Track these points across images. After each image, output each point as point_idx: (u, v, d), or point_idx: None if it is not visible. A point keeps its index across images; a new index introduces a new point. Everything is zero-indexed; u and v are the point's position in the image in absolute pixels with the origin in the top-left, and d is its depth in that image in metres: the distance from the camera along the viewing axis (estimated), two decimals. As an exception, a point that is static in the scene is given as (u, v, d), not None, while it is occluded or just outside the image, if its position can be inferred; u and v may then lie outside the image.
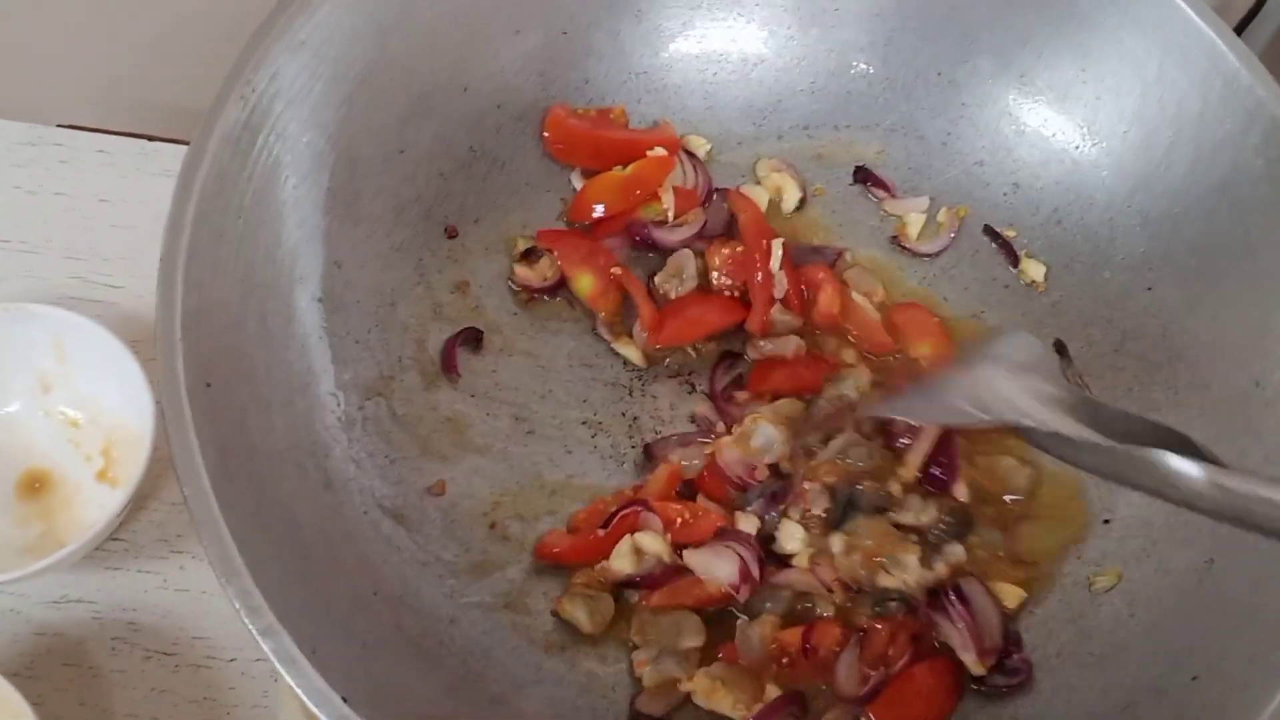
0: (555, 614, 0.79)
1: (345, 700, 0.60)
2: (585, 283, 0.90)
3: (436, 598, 0.76)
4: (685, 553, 0.80)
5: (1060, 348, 0.90)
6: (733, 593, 0.79)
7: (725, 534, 0.81)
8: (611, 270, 0.90)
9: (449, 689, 0.71)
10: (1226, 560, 0.76)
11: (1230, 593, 0.74)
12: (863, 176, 0.97)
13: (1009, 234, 0.94)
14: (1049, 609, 0.81)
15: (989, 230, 0.95)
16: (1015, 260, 0.94)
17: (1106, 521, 0.84)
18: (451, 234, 0.88)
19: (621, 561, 0.80)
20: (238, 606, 0.61)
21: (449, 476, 0.82)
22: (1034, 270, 0.93)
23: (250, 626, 0.61)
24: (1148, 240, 0.88)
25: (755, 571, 0.79)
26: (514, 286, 0.91)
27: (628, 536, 0.80)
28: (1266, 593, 0.72)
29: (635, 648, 0.79)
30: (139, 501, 0.88)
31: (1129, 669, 0.76)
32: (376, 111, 0.82)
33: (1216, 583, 0.76)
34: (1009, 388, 0.63)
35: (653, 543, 0.80)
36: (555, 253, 0.90)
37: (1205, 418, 0.82)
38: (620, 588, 0.80)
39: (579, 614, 0.78)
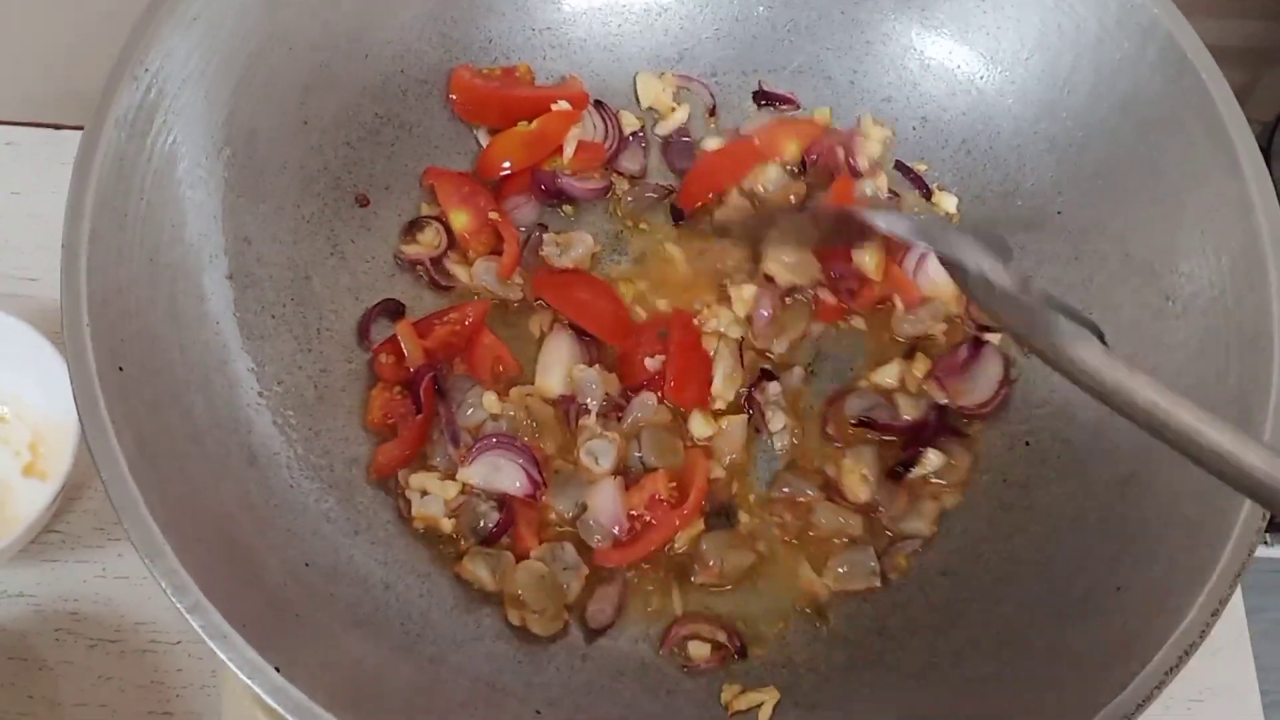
0: (457, 576, 0.80)
1: (278, 670, 0.61)
2: (461, 219, 0.90)
3: (370, 565, 0.76)
4: (460, 472, 0.82)
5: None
6: (531, 501, 0.82)
7: (490, 442, 0.82)
8: (490, 213, 0.90)
9: (388, 653, 0.71)
10: (1146, 473, 0.77)
11: (1150, 503, 0.76)
12: (762, 97, 0.97)
13: (920, 168, 0.95)
14: (977, 532, 0.83)
15: (900, 165, 0.95)
16: (928, 194, 0.94)
17: (1027, 444, 0.85)
18: (363, 203, 0.88)
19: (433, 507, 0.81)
20: (164, 585, 0.62)
21: (375, 444, 0.83)
22: (947, 202, 0.94)
23: (178, 604, 0.62)
24: (1055, 165, 0.89)
25: (537, 475, 0.82)
26: (403, 265, 0.90)
27: (416, 485, 0.82)
28: (1185, 500, 0.73)
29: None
30: (71, 492, 0.88)
31: (1057, 584, 0.77)
32: (275, 84, 0.81)
33: (1138, 495, 0.77)
34: (959, 236, 0.67)
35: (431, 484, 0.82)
36: (436, 189, 0.90)
37: (1120, 336, 0.83)
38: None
39: (480, 572, 0.79)
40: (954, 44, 0.93)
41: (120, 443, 0.64)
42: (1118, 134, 0.85)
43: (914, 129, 0.95)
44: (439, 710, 0.69)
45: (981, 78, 0.92)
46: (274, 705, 0.60)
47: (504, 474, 0.82)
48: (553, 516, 0.83)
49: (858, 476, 0.84)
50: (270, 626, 0.64)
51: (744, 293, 0.89)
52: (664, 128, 0.97)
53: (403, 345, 0.84)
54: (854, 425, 0.87)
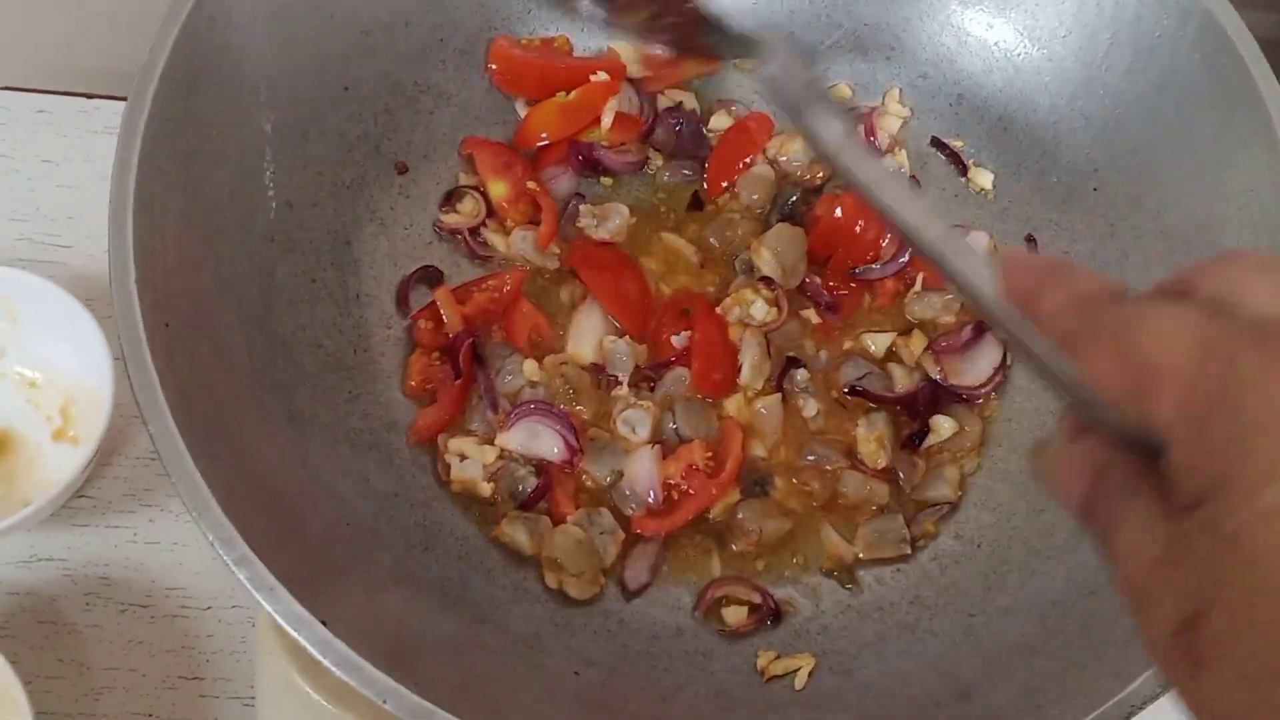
0: (494, 540, 0.80)
1: (325, 624, 0.61)
2: (499, 189, 0.89)
3: (409, 526, 0.76)
4: (499, 437, 0.82)
5: (1030, 241, 0.92)
6: (569, 467, 0.82)
7: (529, 408, 0.82)
8: (527, 183, 0.90)
9: (428, 612, 0.71)
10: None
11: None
12: None
13: (956, 144, 0.95)
14: (1010, 505, 0.83)
15: (936, 142, 0.95)
16: (964, 170, 0.95)
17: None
18: (401, 170, 0.88)
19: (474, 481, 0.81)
20: (211, 539, 0.62)
21: (414, 410, 0.83)
22: (982, 179, 0.94)
23: (225, 557, 0.61)
24: (1091, 142, 0.89)
25: (575, 441, 0.82)
26: (442, 235, 0.90)
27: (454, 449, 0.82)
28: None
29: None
30: (103, 458, 0.88)
31: (1092, 555, 0.77)
32: (319, 50, 0.82)
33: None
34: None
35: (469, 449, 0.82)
36: (474, 158, 0.91)
37: (1154, 313, 0.84)
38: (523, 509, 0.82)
39: (519, 536, 0.79)
40: (992, 19, 0.92)
41: (167, 398, 0.64)
42: (1155, 111, 0.86)
43: (950, 105, 0.95)
44: (479, 668, 0.69)
45: (1019, 54, 0.92)
46: (320, 658, 0.60)
47: (542, 440, 0.82)
48: (589, 483, 0.83)
49: (873, 443, 0.85)
50: (313, 582, 0.64)
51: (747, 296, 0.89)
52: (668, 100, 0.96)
53: (442, 311, 0.85)
54: (846, 393, 0.88)
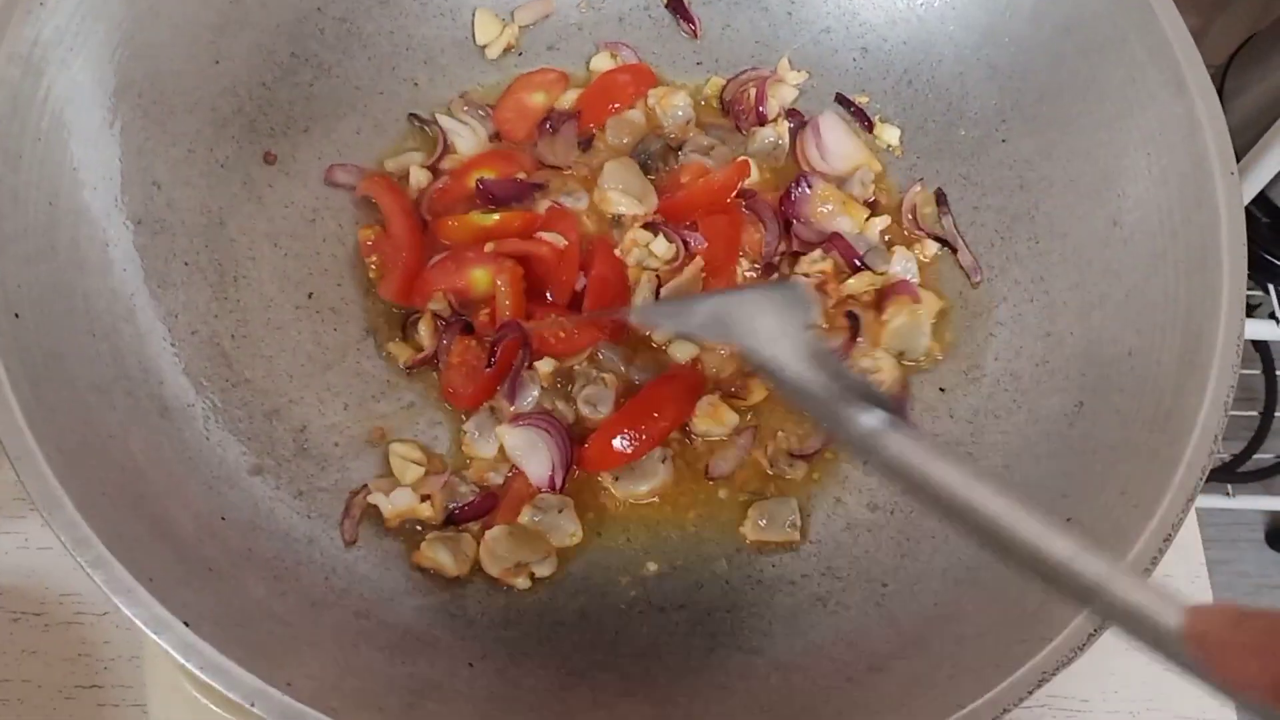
0: (416, 565, 0.75)
1: (187, 625, 0.58)
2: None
3: (292, 518, 0.73)
4: (501, 429, 0.80)
5: (940, 196, 0.89)
6: (553, 489, 0.79)
7: (538, 416, 0.80)
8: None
9: (310, 607, 0.68)
10: (1095, 402, 0.75)
11: (1100, 433, 0.74)
12: (674, 6, 0.95)
13: (861, 100, 0.92)
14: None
15: (841, 98, 0.92)
16: (869, 126, 0.92)
17: (973, 379, 0.83)
18: (270, 160, 0.84)
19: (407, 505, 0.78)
20: (63, 539, 0.59)
21: (298, 396, 0.79)
22: (889, 134, 0.91)
23: (79, 559, 0.58)
24: (998, 92, 0.87)
25: (561, 477, 0.79)
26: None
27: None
28: (1133, 429, 0.71)
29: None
30: (-12, 461, 0.84)
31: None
32: (185, 21, 0.78)
33: (1087, 425, 0.75)
34: (762, 319, 0.60)
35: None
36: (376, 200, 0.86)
37: (1066, 263, 0.81)
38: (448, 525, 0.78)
39: (441, 557, 0.75)
40: (893, -32, 0.90)
41: (16, 392, 0.61)
42: (1061, 57, 0.83)
43: (854, 60, 0.92)
44: (364, 665, 0.66)
45: (922, 4, 0.89)
46: (183, 662, 0.57)
47: (537, 454, 0.79)
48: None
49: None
50: (181, 581, 0.61)
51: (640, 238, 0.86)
52: (494, 50, 0.94)
53: (501, 294, 0.82)
54: None
